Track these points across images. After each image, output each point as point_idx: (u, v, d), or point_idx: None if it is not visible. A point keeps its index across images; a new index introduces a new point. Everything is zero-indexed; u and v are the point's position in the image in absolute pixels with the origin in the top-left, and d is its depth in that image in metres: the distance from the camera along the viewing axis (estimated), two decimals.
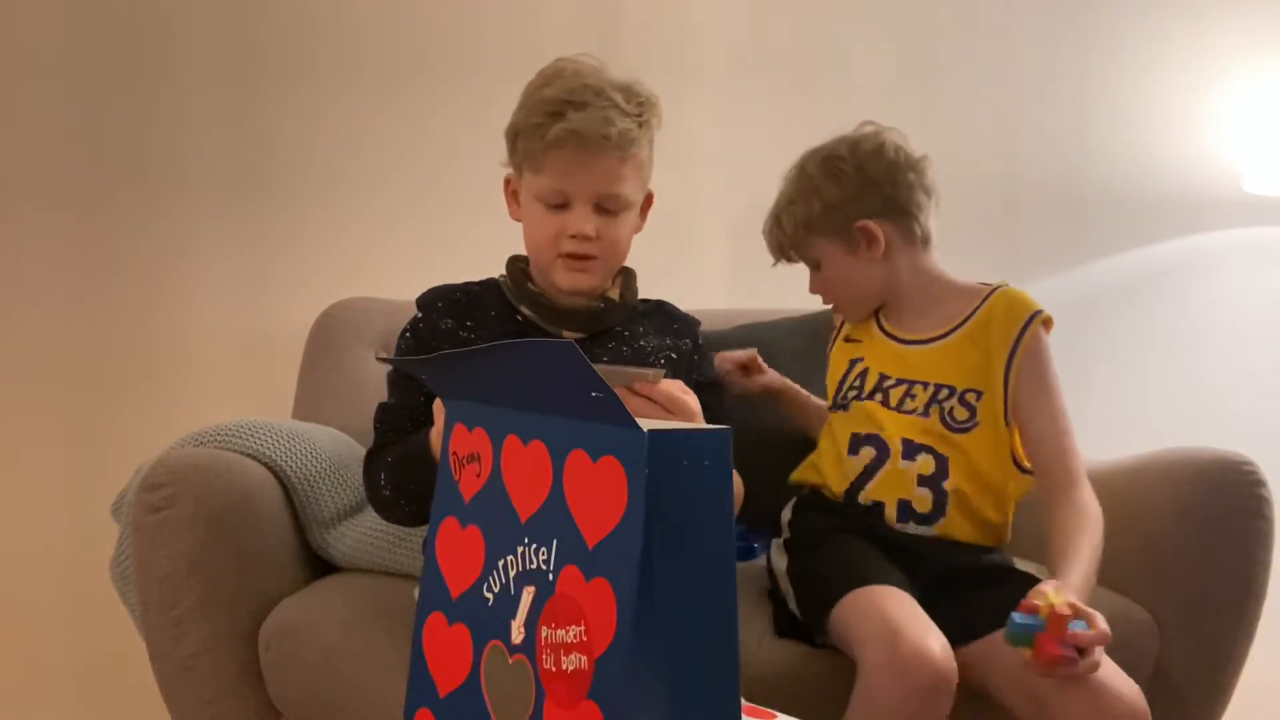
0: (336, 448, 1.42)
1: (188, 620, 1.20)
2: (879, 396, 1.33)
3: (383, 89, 1.89)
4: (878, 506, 1.29)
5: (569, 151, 1.13)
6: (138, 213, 1.84)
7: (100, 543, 1.43)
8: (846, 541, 1.26)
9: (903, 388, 1.33)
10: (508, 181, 1.24)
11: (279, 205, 1.88)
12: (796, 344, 1.64)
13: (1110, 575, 1.37)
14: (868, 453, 1.31)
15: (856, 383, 1.37)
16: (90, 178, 1.83)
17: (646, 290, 1.30)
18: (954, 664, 1.04)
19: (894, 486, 1.29)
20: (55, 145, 1.82)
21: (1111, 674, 1.07)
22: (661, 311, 1.32)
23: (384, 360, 1.35)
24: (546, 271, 1.20)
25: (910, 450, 1.29)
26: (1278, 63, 2.05)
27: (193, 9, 1.84)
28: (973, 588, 1.22)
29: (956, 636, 1.12)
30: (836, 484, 1.33)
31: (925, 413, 1.30)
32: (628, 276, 1.27)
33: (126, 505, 1.31)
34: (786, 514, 1.39)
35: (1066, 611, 1.01)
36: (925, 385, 1.32)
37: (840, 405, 1.37)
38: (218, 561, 1.20)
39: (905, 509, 1.28)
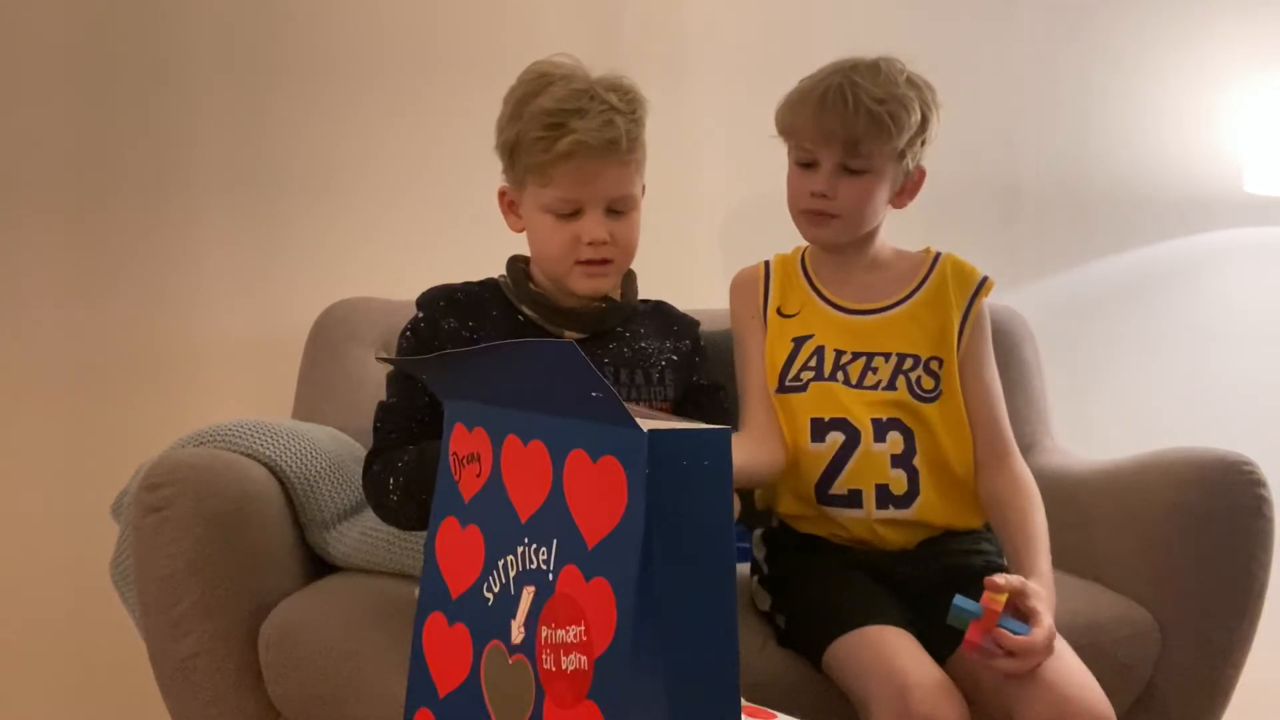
0: (336, 448, 1.42)
1: (188, 620, 1.20)
2: (840, 375, 1.26)
3: (384, 90, 1.89)
4: (855, 495, 1.23)
5: (578, 162, 1.12)
6: (138, 212, 1.84)
7: (100, 543, 1.43)
8: (832, 577, 1.21)
9: (861, 361, 1.27)
10: (503, 193, 1.23)
11: (279, 205, 1.88)
12: None
13: (1110, 575, 1.37)
14: (835, 439, 1.24)
15: (811, 362, 1.28)
16: (92, 177, 1.83)
17: (645, 290, 1.30)
18: (967, 713, 1.03)
19: (869, 472, 1.23)
20: (56, 144, 1.82)
21: (1069, 677, 1.05)
22: (661, 312, 1.32)
23: (384, 360, 1.35)
24: (562, 279, 1.19)
25: (880, 430, 1.24)
26: (1278, 63, 2.05)
27: (198, 8, 1.84)
28: (958, 593, 1.19)
29: (945, 647, 1.11)
30: (798, 483, 1.26)
31: (891, 385, 1.25)
32: (628, 277, 1.27)
33: (126, 505, 1.31)
34: (759, 550, 1.34)
35: (998, 609, 1.02)
36: (887, 356, 1.27)
37: (792, 388, 1.28)
38: (218, 561, 1.20)
39: (884, 493, 1.23)
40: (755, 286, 1.36)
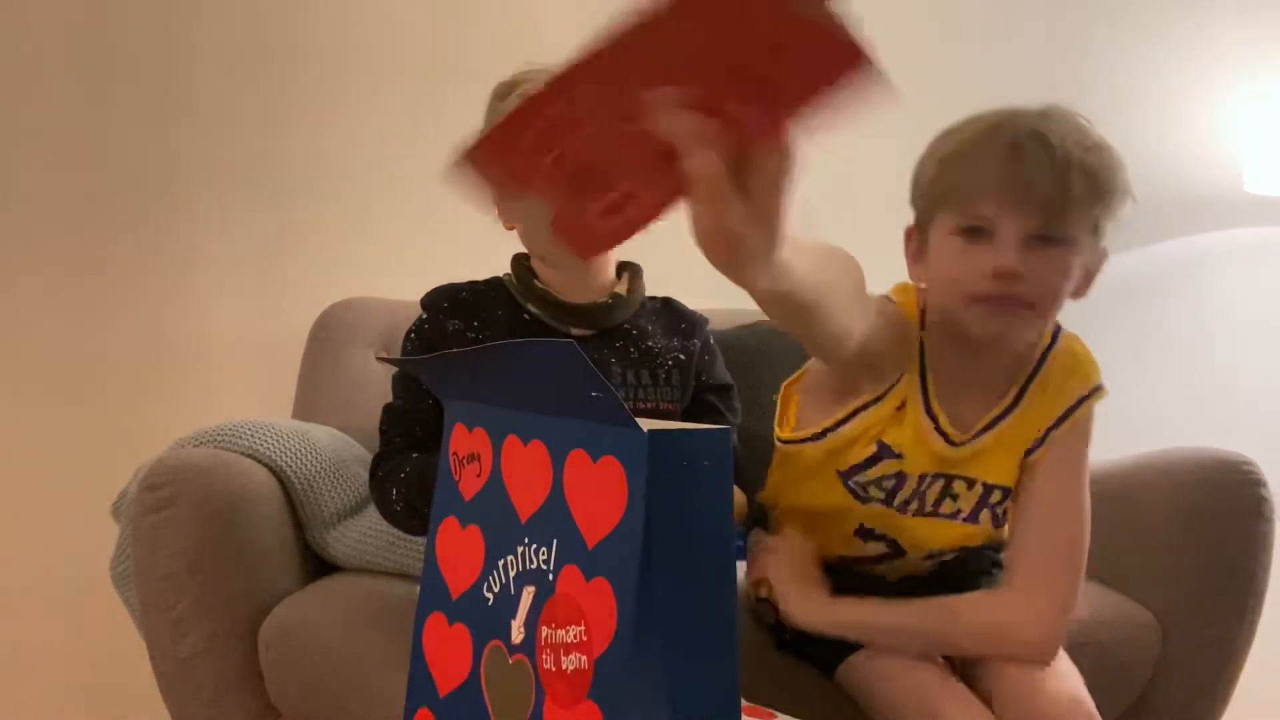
0: (336, 447, 1.42)
1: (188, 620, 1.20)
2: (914, 505, 1.08)
3: (385, 90, 1.89)
4: (878, 580, 1.17)
5: None
6: (139, 212, 1.84)
7: (100, 543, 1.43)
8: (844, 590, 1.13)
9: (940, 484, 1.07)
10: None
11: (279, 206, 1.88)
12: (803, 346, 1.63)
13: (1110, 575, 1.37)
14: (877, 548, 1.13)
15: (887, 484, 1.07)
16: (92, 177, 1.83)
17: (651, 288, 1.29)
18: None
19: (903, 571, 1.17)
20: (56, 145, 1.82)
21: (1051, 674, 1.03)
22: (669, 310, 1.30)
23: (384, 360, 1.34)
24: (554, 251, 1.18)
25: (934, 555, 1.14)
26: (1278, 62, 2.05)
27: (201, 11, 1.84)
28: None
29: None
30: (824, 547, 1.15)
31: (973, 518, 1.08)
32: (635, 272, 1.26)
33: (126, 505, 1.31)
34: None
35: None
36: (971, 483, 1.07)
37: (852, 492, 1.09)
38: (217, 561, 1.20)
39: (909, 581, 1.17)
40: (907, 354, 1.05)
